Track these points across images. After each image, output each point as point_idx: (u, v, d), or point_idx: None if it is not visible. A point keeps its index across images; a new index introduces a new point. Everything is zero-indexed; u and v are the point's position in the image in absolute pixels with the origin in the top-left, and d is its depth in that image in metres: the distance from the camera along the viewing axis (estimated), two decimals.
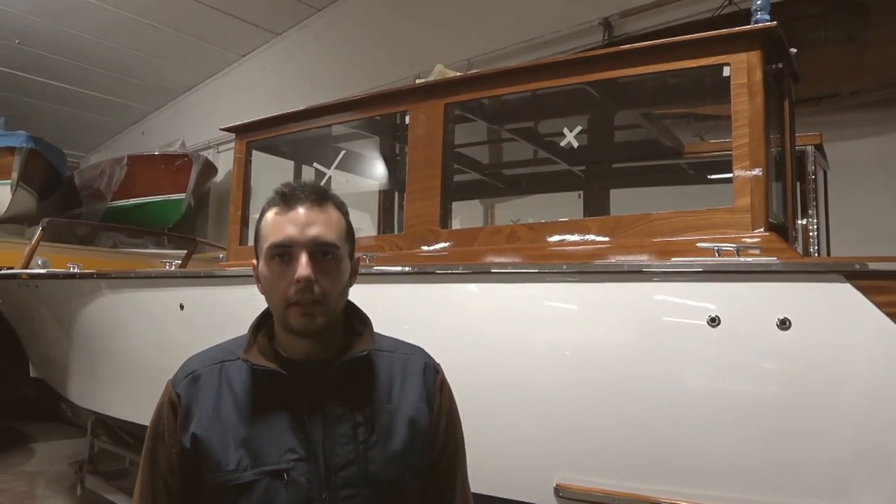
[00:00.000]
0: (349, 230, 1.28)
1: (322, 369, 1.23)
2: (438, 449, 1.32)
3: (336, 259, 1.22)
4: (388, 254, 2.95)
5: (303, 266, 1.17)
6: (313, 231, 1.20)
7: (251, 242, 3.57)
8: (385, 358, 1.31)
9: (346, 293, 1.27)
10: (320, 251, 1.20)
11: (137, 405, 3.93)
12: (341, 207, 1.28)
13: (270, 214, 1.24)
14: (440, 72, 3.25)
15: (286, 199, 1.23)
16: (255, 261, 1.28)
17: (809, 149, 3.50)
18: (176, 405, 1.24)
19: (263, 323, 1.30)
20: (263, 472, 1.16)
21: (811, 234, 3.43)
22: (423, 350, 1.38)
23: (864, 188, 4.77)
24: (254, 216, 3.68)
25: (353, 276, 1.29)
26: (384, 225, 4.29)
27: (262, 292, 1.26)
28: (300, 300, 1.17)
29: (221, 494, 1.18)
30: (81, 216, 9.61)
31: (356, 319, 1.32)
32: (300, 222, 1.20)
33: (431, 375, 1.33)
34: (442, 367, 1.39)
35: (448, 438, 1.34)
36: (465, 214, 4.67)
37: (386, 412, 1.25)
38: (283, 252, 1.20)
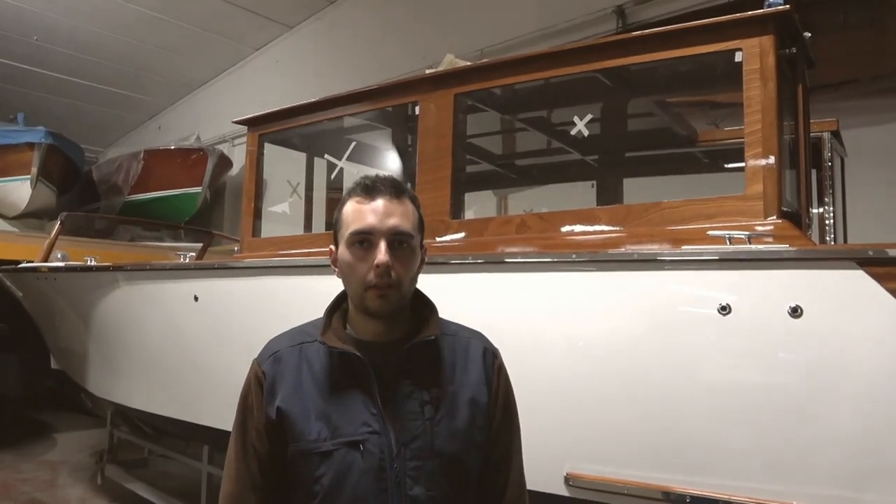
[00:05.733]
0: (421, 222, 1.39)
1: (391, 350, 1.33)
2: (496, 429, 1.41)
3: (410, 248, 1.33)
4: None
5: (382, 253, 1.28)
6: (392, 221, 1.31)
7: (265, 234, 3.64)
8: (448, 341, 1.41)
9: (416, 279, 1.37)
10: (397, 240, 1.31)
11: (154, 396, 3.98)
12: (415, 201, 1.39)
13: (352, 204, 1.35)
14: (450, 62, 3.24)
15: (368, 190, 1.34)
16: (332, 246, 1.39)
17: (826, 135, 3.44)
18: (262, 381, 1.36)
19: (337, 307, 1.42)
20: (341, 443, 1.28)
21: (827, 222, 3.37)
22: (482, 335, 1.49)
23: (884, 176, 4.68)
24: (267, 208, 3.70)
25: (422, 264, 1.39)
26: None
27: (340, 276, 1.36)
28: (378, 283, 1.28)
29: (305, 460, 1.30)
30: (99, 210, 9.73)
31: (422, 305, 1.42)
32: (380, 212, 1.31)
33: (490, 359, 1.43)
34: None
35: (504, 420, 1.43)
36: (480, 205, 4.66)
37: (449, 392, 1.35)
38: (364, 239, 1.30)
